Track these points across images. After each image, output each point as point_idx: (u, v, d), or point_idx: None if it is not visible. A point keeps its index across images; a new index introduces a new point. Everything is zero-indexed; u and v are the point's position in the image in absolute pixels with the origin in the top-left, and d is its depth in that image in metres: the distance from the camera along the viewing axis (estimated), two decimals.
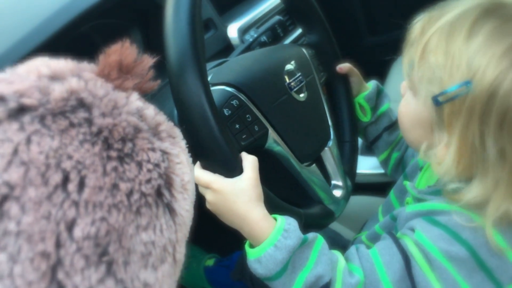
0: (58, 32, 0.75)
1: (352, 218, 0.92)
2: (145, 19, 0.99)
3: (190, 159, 0.45)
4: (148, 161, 0.38)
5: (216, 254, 1.27)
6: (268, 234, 0.59)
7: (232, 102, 0.69)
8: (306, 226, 0.68)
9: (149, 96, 0.90)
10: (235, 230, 0.63)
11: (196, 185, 0.61)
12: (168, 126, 0.42)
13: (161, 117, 0.42)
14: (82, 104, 0.36)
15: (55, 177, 0.32)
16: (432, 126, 0.59)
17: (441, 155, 0.57)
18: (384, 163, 0.96)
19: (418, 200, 0.67)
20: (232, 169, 0.61)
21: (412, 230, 0.61)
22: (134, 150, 0.37)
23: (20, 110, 0.34)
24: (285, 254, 0.58)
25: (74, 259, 0.32)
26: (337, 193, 0.84)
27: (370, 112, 0.93)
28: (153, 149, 0.39)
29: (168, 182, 0.40)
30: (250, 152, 0.65)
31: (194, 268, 1.24)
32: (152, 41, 1.01)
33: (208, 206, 0.63)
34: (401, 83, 0.70)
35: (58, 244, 0.31)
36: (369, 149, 0.98)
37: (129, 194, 0.35)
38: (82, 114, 0.35)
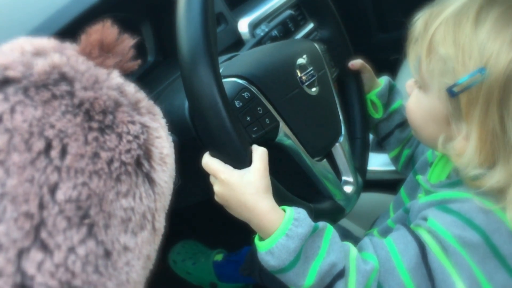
0: (68, 25, 0.75)
1: (362, 215, 0.91)
2: (156, 13, 0.99)
3: (170, 137, 0.47)
4: (128, 132, 0.40)
5: (223, 249, 1.27)
6: (278, 224, 0.59)
7: (243, 94, 0.68)
8: (316, 221, 0.67)
9: (161, 89, 0.91)
10: (241, 225, 0.63)
11: (207, 175, 0.62)
12: (148, 104, 0.44)
13: (141, 95, 0.44)
14: (64, 78, 0.38)
15: (38, 144, 0.34)
16: (449, 119, 0.59)
17: (460, 147, 0.57)
18: (395, 160, 0.95)
19: (431, 193, 0.67)
20: (242, 161, 0.60)
21: (425, 219, 0.61)
22: (115, 122, 0.39)
23: (4, 82, 0.36)
24: (297, 242, 0.58)
25: (56, 220, 0.34)
26: (348, 189, 0.83)
27: (382, 109, 0.92)
28: (132, 122, 0.41)
29: (147, 153, 0.41)
30: (260, 145, 0.65)
31: (203, 263, 1.24)
32: (163, 35, 1.00)
33: (216, 198, 0.62)
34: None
35: (41, 206, 0.33)
36: (380, 146, 0.98)
37: (110, 162, 0.38)
38: (64, 87, 0.37)
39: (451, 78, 0.55)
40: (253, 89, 0.70)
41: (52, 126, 0.35)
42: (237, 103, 0.67)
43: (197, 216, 1.21)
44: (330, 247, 0.60)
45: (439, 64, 0.57)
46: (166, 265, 1.27)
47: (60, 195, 0.34)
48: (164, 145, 0.44)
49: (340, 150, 0.84)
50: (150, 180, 0.41)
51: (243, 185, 0.59)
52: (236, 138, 0.59)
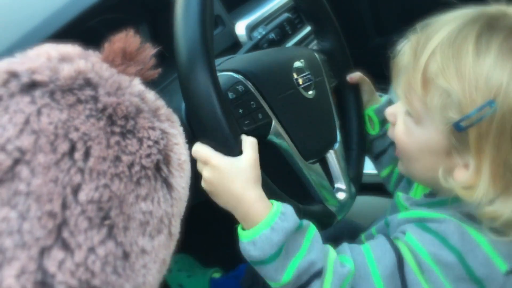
0: (66, 25, 0.75)
1: (359, 218, 0.91)
2: (154, 15, 0.99)
3: (187, 145, 0.48)
4: (149, 138, 0.41)
5: (219, 268, 1.24)
6: (264, 216, 0.58)
7: (237, 87, 0.68)
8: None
9: (159, 90, 0.91)
10: (236, 244, 0.61)
11: (194, 164, 0.61)
12: (167, 111, 0.46)
13: (161, 102, 0.45)
14: (89, 83, 0.39)
15: (63, 146, 0.36)
16: (449, 151, 0.57)
17: (467, 179, 0.54)
18: (387, 179, 0.93)
19: (408, 210, 0.67)
20: (232, 148, 0.60)
21: (404, 233, 0.61)
22: (136, 128, 0.41)
23: (32, 86, 0.37)
24: (281, 236, 0.57)
25: (78, 220, 0.35)
26: (341, 195, 0.82)
27: (379, 126, 0.91)
28: (153, 128, 0.42)
29: (166, 158, 0.43)
30: None
31: (199, 278, 1.22)
32: (160, 36, 1.01)
33: (203, 184, 0.61)
34: None
35: (64, 206, 0.34)
36: (374, 163, 0.97)
37: (130, 165, 0.39)
38: (88, 92, 0.39)
39: (456, 112, 0.53)
40: (248, 83, 0.70)
41: (77, 129, 0.37)
42: (230, 95, 0.67)
43: (193, 233, 1.19)
44: (311, 245, 0.59)
45: (441, 97, 0.54)
46: None
47: (83, 196, 0.35)
48: (182, 152, 0.45)
49: (334, 157, 0.84)
50: (168, 185, 0.43)
51: (233, 172, 0.58)
52: (226, 124, 0.58)
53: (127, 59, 0.43)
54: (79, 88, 0.38)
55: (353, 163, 0.89)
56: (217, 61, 0.85)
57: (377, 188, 0.95)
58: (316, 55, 0.89)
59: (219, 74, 0.62)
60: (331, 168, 0.83)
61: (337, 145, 0.85)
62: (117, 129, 0.39)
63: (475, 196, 0.53)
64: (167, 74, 0.97)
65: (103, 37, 0.92)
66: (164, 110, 0.45)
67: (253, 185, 0.59)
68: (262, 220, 0.58)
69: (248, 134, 0.66)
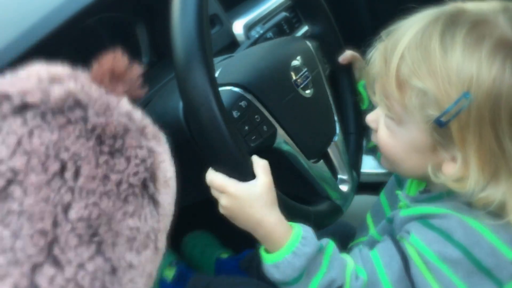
0: (63, 24, 0.74)
1: (353, 217, 0.92)
2: (151, 14, 0.99)
3: (171, 161, 0.50)
4: (136, 156, 0.42)
5: (230, 250, 1.29)
6: (285, 239, 0.60)
7: (240, 104, 0.69)
8: (316, 224, 0.68)
9: (155, 90, 0.91)
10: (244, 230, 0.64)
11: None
12: (153, 129, 0.47)
13: (147, 121, 0.47)
14: (78, 104, 0.40)
15: (54, 166, 0.37)
16: (434, 147, 0.58)
17: (457, 172, 0.56)
18: (372, 150, 0.95)
19: (410, 207, 0.68)
20: (244, 174, 0.61)
21: (408, 233, 0.62)
22: (124, 147, 0.42)
23: (24, 107, 0.38)
24: (303, 261, 0.59)
25: (68, 237, 0.36)
26: (344, 188, 0.85)
27: (368, 99, 0.93)
28: (140, 147, 0.43)
29: (152, 176, 0.44)
30: (259, 152, 0.66)
31: (208, 255, 1.26)
32: (157, 35, 1.00)
33: (221, 210, 0.63)
34: None
35: (55, 224, 0.36)
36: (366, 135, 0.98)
37: (118, 184, 0.40)
38: (78, 113, 0.40)
39: (435, 109, 0.55)
40: (249, 96, 0.70)
41: (67, 149, 0.38)
42: (235, 113, 0.68)
43: (215, 212, 1.22)
44: (331, 263, 0.61)
45: (418, 97, 0.56)
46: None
47: (73, 214, 0.36)
48: (168, 169, 0.46)
49: (335, 149, 0.86)
50: (154, 201, 0.44)
51: (251, 199, 0.60)
52: (237, 151, 0.60)
53: (115, 79, 0.44)
54: (69, 109, 0.39)
55: (353, 147, 0.91)
56: (215, 60, 0.85)
57: (373, 187, 0.95)
58: (309, 43, 0.89)
59: (219, 89, 0.61)
60: (333, 160, 0.85)
61: (336, 137, 0.87)
62: (105, 149, 0.40)
63: (468, 186, 0.55)
64: (165, 73, 0.97)
65: (101, 36, 0.92)
66: (151, 128, 0.46)
67: (271, 209, 0.61)
68: (284, 245, 0.60)
69: (255, 148, 0.69)
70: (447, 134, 0.55)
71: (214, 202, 0.63)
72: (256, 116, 0.70)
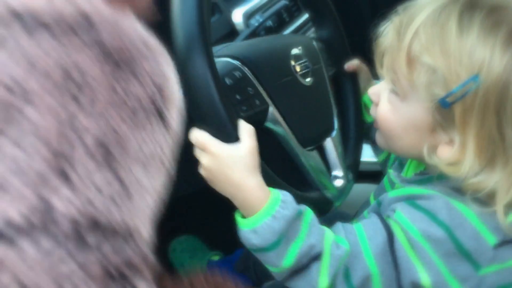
0: None
1: (353, 206, 0.90)
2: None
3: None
4: (144, 70, 0.40)
5: (220, 252, 1.28)
6: (264, 204, 0.58)
7: (234, 73, 0.68)
8: None
9: None
10: (235, 230, 0.62)
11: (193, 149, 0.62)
12: (158, 46, 0.45)
13: (153, 38, 0.45)
14: (87, 20, 0.38)
15: (57, 74, 0.34)
16: (434, 127, 0.58)
17: (453, 155, 0.56)
18: (384, 164, 0.93)
19: (399, 188, 0.68)
20: (230, 135, 0.59)
21: (394, 211, 0.62)
22: (131, 61, 0.40)
23: (35, 26, 0.36)
24: (283, 224, 0.57)
25: (79, 153, 0.34)
26: (338, 182, 0.82)
27: None
28: (147, 60, 0.41)
29: (161, 92, 0.42)
30: None
31: (198, 259, 1.25)
32: (157, 22, 0.99)
33: (202, 171, 0.61)
34: None
35: (65, 140, 0.34)
36: (372, 148, 0.97)
37: (127, 96, 0.38)
38: (86, 27, 0.38)
39: (441, 88, 0.55)
40: (245, 69, 0.69)
41: (69, 57, 0.36)
42: (227, 80, 0.66)
43: (198, 214, 1.23)
44: (310, 229, 0.60)
45: (427, 74, 0.56)
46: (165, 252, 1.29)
47: (82, 128, 0.35)
48: (175, 88, 0.45)
49: (332, 145, 0.83)
50: (163, 119, 0.42)
51: (232, 160, 0.59)
52: (224, 110, 0.58)
53: None
54: (80, 28, 0.37)
55: (351, 151, 0.89)
56: (214, 49, 0.84)
57: (374, 176, 0.94)
58: (314, 43, 0.88)
59: (216, 60, 0.62)
60: (328, 156, 0.83)
61: (334, 133, 0.85)
62: (112, 62, 0.38)
63: (461, 171, 0.55)
64: None
65: None
66: (156, 44, 0.44)
67: (252, 173, 0.60)
68: (262, 208, 0.58)
69: (245, 120, 0.66)
70: (449, 115, 0.55)
71: (196, 206, 0.62)
72: (249, 88, 0.68)
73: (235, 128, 0.60)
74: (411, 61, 0.57)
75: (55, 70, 0.35)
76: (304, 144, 0.77)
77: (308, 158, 0.77)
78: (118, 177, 0.36)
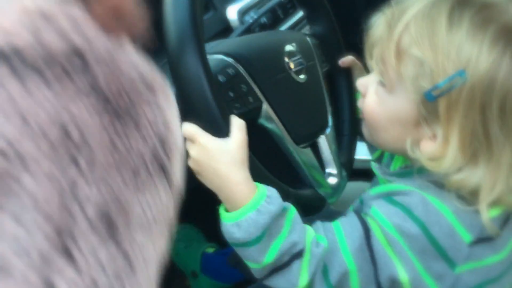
0: None
1: (348, 203, 0.90)
2: None
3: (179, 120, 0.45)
4: (146, 118, 0.36)
5: (215, 245, 1.27)
6: (249, 198, 0.59)
7: (227, 70, 0.68)
8: (295, 205, 0.66)
9: None
10: None
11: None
12: (161, 83, 0.40)
13: (155, 73, 0.39)
14: (77, 52, 0.32)
15: (55, 133, 0.31)
16: (418, 121, 0.58)
17: (435, 150, 0.57)
18: (378, 161, 0.92)
19: (386, 181, 0.69)
20: (220, 129, 0.60)
21: (370, 207, 0.62)
22: (132, 106, 0.35)
23: (9, 55, 0.30)
24: (267, 219, 0.58)
25: (81, 223, 0.31)
26: (332, 180, 0.82)
27: None
28: (149, 105, 0.37)
29: (163, 142, 0.38)
30: None
31: (194, 249, 1.25)
32: (149, 20, 0.99)
33: (190, 163, 0.61)
34: None
35: (65, 207, 0.30)
36: (367, 145, 0.96)
37: (128, 153, 0.34)
38: (77, 64, 0.32)
39: (428, 82, 0.55)
40: (239, 67, 0.69)
41: (68, 111, 0.31)
42: (221, 78, 0.66)
43: (199, 205, 1.21)
44: (293, 226, 0.61)
45: (414, 67, 0.56)
46: None
47: (82, 195, 0.32)
48: (178, 133, 0.41)
49: (325, 142, 0.83)
50: (166, 173, 0.39)
51: (220, 153, 0.59)
52: (215, 104, 0.59)
53: (119, 20, 0.36)
54: (67, 59, 0.32)
55: (345, 148, 0.89)
56: (208, 45, 0.84)
57: (368, 174, 0.94)
58: (308, 39, 0.88)
59: (209, 57, 0.62)
60: (322, 153, 0.83)
61: (328, 130, 0.85)
62: (111, 109, 0.34)
63: (443, 166, 0.56)
64: (156, 59, 0.95)
65: None
66: (159, 81, 0.40)
67: (239, 167, 0.60)
68: (248, 202, 0.59)
69: (239, 117, 0.66)
70: (434, 109, 0.56)
71: (197, 195, 0.61)
72: (242, 86, 0.69)
73: (226, 122, 0.60)
74: (400, 53, 0.57)
75: (51, 127, 0.31)
76: (297, 141, 0.77)
77: (302, 155, 0.77)
78: (122, 251, 0.34)
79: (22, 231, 0.30)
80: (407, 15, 0.58)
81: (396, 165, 0.71)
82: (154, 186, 0.37)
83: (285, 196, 0.64)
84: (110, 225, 0.33)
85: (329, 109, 0.86)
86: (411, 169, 0.64)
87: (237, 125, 0.61)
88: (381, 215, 0.59)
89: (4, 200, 0.29)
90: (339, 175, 0.83)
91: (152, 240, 0.38)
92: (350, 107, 0.92)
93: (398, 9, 0.60)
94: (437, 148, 0.56)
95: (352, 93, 0.92)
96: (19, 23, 0.31)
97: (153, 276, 0.38)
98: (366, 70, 0.91)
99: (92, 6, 0.35)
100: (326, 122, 0.85)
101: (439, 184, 0.58)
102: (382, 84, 0.62)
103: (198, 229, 1.30)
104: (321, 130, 0.83)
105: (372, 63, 0.64)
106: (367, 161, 0.96)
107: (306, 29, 1.05)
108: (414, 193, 0.59)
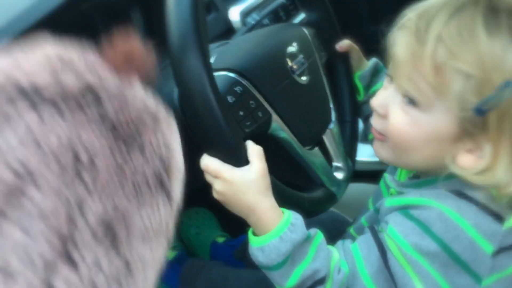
0: (58, 8, 0.73)
1: (350, 205, 0.92)
2: None
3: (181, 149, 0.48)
4: (151, 146, 0.39)
5: (227, 234, 1.28)
6: (275, 225, 0.61)
7: (235, 89, 0.69)
8: (309, 211, 0.69)
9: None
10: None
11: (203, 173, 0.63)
12: (166, 116, 0.44)
13: (160, 107, 0.43)
14: (91, 91, 0.36)
15: (68, 159, 0.33)
16: (457, 137, 0.56)
17: (483, 163, 0.54)
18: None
19: (399, 193, 0.67)
20: (239, 159, 0.61)
21: (387, 223, 0.61)
22: (139, 136, 0.39)
23: (33, 96, 0.34)
24: (289, 246, 0.59)
25: (83, 235, 0.33)
26: (339, 175, 0.85)
27: (363, 91, 0.93)
28: (155, 136, 0.40)
29: (167, 167, 0.41)
30: (254, 138, 0.65)
31: (204, 237, 1.25)
32: (152, 21, 0.99)
33: (215, 195, 0.63)
34: None
35: (71, 221, 0.33)
36: (364, 125, 0.97)
37: (133, 176, 0.37)
38: (91, 101, 0.36)
39: (475, 95, 0.51)
40: (245, 82, 0.70)
41: (81, 140, 0.35)
42: (230, 98, 0.67)
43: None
44: (317, 253, 0.62)
45: (459, 81, 0.52)
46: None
47: (88, 210, 0.34)
48: (180, 159, 0.45)
49: (330, 136, 0.86)
50: (167, 193, 0.42)
51: (245, 184, 0.60)
52: (231, 136, 0.60)
53: (130, 63, 0.40)
54: (83, 97, 0.36)
55: (347, 137, 0.91)
56: (211, 47, 0.84)
57: (368, 175, 0.96)
58: (305, 30, 0.88)
59: (214, 74, 0.60)
60: (328, 147, 0.86)
61: (332, 125, 0.87)
62: (120, 138, 0.38)
63: (496, 178, 0.53)
64: (160, 60, 0.95)
65: (95, 21, 0.91)
66: (164, 115, 0.44)
67: (265, 194, 0.61)
68: (272, 229, 0.60)
69: (250, 134, 0.68)
70: (482, 123, 0.53)
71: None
72: (251, 102, 0.70)
73: (244, 151, 0.62)
74: (437, 68, 0.53)
75: (61, 150, 0.34)
76: (305, 143, 0.79)
77: (311, 156, 0.80)
78: (123, 258, 0.36)
79: (28, 240, 0.32)
80: (436, 26, 0.54)
81: (402, 176, 0.71)
82: (154, 201, 0.39)
83: (301, 204, 0.66)
84: (112, 235, 0.35)
85: (332, 104, 0.88)
86: (426, 180, 0.63)
87: (256, 153, 0.62)
88: (398, 235, 0.58)
89: (13, 212, 0.32)
90: (345, 166, 0.86)
91: (151, 249, 0.39)
92: (350, 93, 0.93)
93: (422, 21, 0.56)
94: (486, 162, 0.54)
95: (351, 79, 0.93)
96: (40, 66, 0.35)
97: (151, 281, 0.40)
98: (364, 53, 0.92)
99: (106, 52, 0.40)
100: (330, 117, 0.87)
101: (460, 193, 0.57)
102: (411, 102, 0.58)
103: (212, 213, 1.31)
104: (325, 126, 0.85)
105: (399, 81, 0.59)
106: (371, 163, 0.97)
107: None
108: (432, 207, 0.57)
